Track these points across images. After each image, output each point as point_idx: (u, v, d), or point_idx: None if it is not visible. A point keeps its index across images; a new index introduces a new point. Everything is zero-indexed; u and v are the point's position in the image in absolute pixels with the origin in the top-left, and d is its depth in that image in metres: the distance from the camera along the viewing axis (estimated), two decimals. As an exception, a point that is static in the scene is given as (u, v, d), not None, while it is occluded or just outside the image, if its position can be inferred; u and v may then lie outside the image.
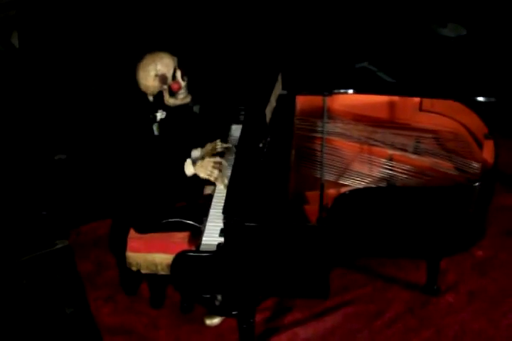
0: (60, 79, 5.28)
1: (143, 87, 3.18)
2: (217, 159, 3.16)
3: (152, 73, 3.13)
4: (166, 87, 3.17)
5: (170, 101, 3.22)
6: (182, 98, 3.25)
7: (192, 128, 3.44)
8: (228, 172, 3.20)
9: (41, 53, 5.36)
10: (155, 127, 3.20)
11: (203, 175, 3.12)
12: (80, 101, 5.13)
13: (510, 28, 5.83)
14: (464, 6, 6.14)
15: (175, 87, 3.18)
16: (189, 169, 3.13)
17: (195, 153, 3.35)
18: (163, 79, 3.14)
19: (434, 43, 5.98)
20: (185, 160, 3.16)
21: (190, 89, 3.28)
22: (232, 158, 3.32)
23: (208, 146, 3.35)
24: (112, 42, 5.52)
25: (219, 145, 3.35)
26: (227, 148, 3.39)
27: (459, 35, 6.03)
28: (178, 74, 3.19)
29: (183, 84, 3.21)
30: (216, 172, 3.12)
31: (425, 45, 5.93)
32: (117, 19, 5.61)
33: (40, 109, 5.05)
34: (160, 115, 3.20)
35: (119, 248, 3.35)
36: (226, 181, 3.14)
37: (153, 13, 5.77)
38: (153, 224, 3.23)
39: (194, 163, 3.18)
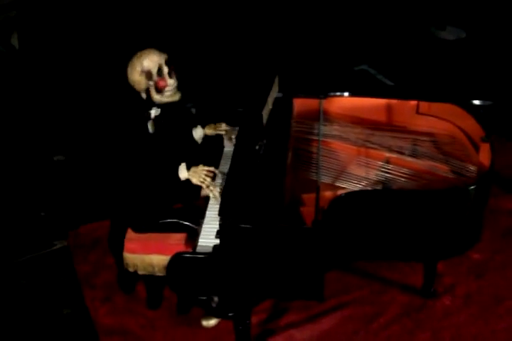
0: (59, 79, 5.29)
1: (130, 82, 3.18)
2: (212, 168, 3.15)
3: (138, 68, 3.12)
4: (151, 83, 3.16)
5: (156, 98, 3.19)
6: (168, 96, 3.20)
7: (187, 127, 3.45)
8: (225, 169, 3.23)
9: (41, 54, 5.38)
10: (149, 125, 3.19)
11: (195, 180, 3.11)
12: (78, 101, 5.15)
13: (509, 31, 5.84)
14: (463, 9, 6.15)
15: (161, 84, 3.15)
16: (183, 173, 3.13)
17: (198, 131, 3.45)
18: (148, 75, 3.14)
19: (433, 46, 5.98)
20: (180, 158, 3.16)
21: (187, 89, 3.29)
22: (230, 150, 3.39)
23: (212, 125, 3.50)
24: (109, 42, 5.54)
25: (223, 126, 3.50)
26: (229, 133, 3.51)
27: (458, 38, 6.04)
28: (165, 70, 3.15)
29: (170, 81, 3.16)
30: (208, 179, 3.11)
31: (424, 48, 5.94)
32: (115, 20, 5.64)
33: (39, 109, 5.06)
34: (154, 112, 3.18)
35: (118, 248, 3.36)
36: (217, 192, 3.11)
37: (151, 13, 5.79)
38: (150, 223, 3.24)
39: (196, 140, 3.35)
